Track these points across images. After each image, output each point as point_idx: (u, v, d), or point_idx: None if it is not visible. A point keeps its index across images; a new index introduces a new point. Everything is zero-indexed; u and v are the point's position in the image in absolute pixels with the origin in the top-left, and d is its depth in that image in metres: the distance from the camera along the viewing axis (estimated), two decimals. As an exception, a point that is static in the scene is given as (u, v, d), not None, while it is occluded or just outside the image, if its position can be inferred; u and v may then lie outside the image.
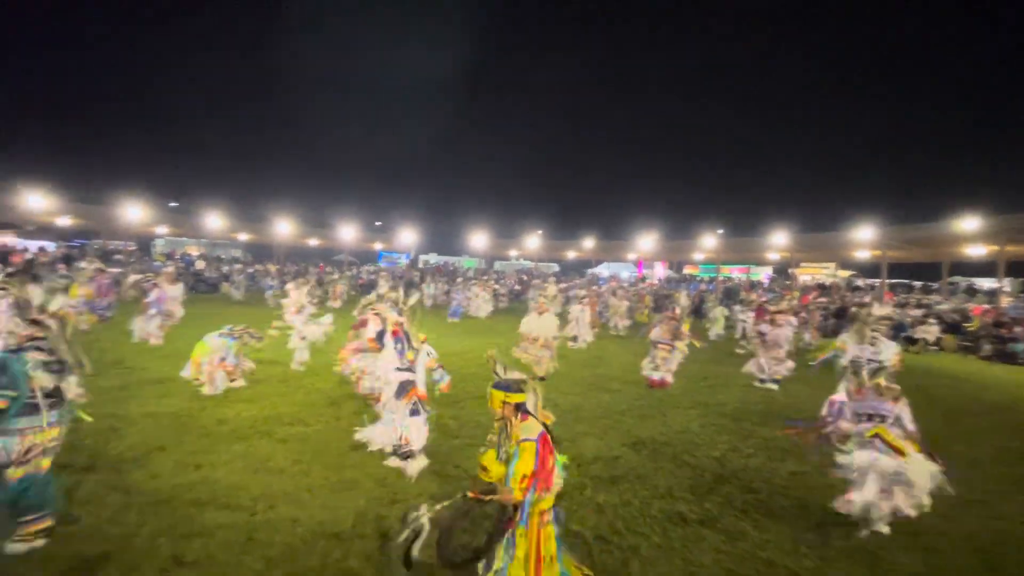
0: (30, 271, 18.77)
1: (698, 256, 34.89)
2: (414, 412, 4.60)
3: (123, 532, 3.36)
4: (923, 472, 3.74)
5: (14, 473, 3.06)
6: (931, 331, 16.33)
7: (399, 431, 4.56)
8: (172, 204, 34.25)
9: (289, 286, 9.95)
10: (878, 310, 4.80)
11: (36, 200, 23.92)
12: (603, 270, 40.83)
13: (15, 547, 3.09)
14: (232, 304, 18.81)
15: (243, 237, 36.46)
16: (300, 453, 4.86)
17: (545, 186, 71.88)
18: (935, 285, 29.37)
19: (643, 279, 35.58)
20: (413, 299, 5.26)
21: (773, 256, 31.84)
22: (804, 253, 30.61)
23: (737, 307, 15.01)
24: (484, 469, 2.60)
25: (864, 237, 22.96)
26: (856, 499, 3.84)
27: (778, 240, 26.45)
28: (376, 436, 4.74)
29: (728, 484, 4.69)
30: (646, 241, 32.33)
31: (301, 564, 3.12)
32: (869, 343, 6.53)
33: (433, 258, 47.15)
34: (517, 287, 27.87)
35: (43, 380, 3.18)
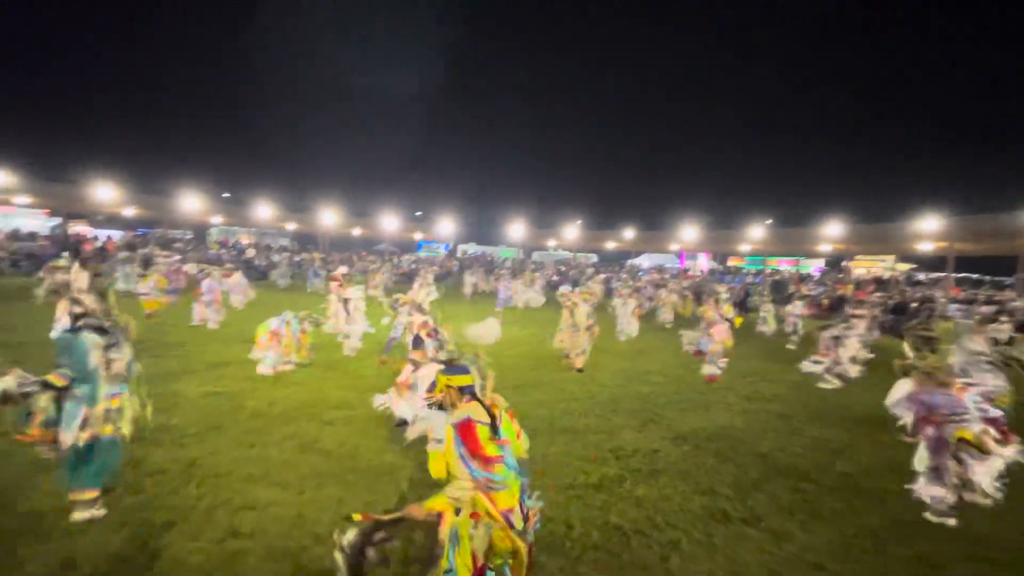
0: (100, 258, 20.17)
1: (744, 248, 33.68)
2: (439, 407, 4.71)
3: (185, 503, 3.59)
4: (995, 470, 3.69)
5: (80, 438, 3.29)
6: (1003, 329, 15.16)
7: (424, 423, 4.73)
8: (225, 195, 35.93)
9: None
10: (971, 342, 4.39)
11: (105, 191, 25.63)
12: (644, 261, 40.06)
13: (77, 515, 3.30)
14: (279, 291, 19.59)
15: (291, 226, 37.88)
16: (346, 436, 5.04)
17: (585, 175, 70.65)
18: (1008, 280, 27.20)
19: (685, 271, 34.68)
20: (422, 295, 5.38)
21: (825, 248, 30.23)
22: (860, 245, 28.93)
23: (795, 304, 14.28)
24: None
25: (928, 228, 21.52)
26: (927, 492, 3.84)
27: (831, 231, 25.17)
28: (397, 407, 4.96)
29: (773, 483, 4.54)
30: (689, 231, 31.45)
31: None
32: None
33: (472, 248, 47.55)
34: (555, 278, 27.73)
35: (100, 355, 3.41)
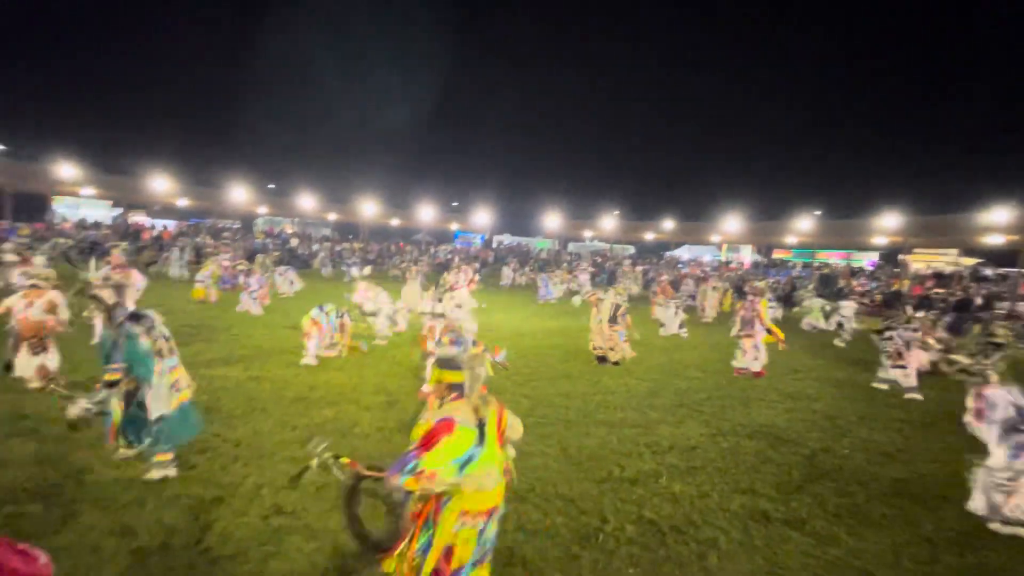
0: (157, 246, 21.32)
1: (791, 240, 32.26)
2: None
3: (232, 480, 3.76)
4: None
5: (172, 403, 3.69)
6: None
7: None
8: (270, 186, 37.27)
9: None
10: None
11: (161, 183, 27.03)
12: (683, 253, 39.09)
13: (152, 474, 3.64)
14: (320, 280, 20.21)
15: (332, 216, 38.96)
16: (383, 420, 5.16)
17: (623, 164, 69.06)
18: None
19: (727, 263, 33.62)
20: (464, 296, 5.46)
21: (880, 241, 28.59)
22: (920, 238, 27.15)
23: (848, 301, 13.59)
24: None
25: (998, 220, 20.04)
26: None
27: (887, 223, 23.76)
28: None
29: (819, 485, 4.36)
30: (731, 223, 30.40)
31: (383, 525, 3.32)
32: None
33: (507, 239, 47.61)
34: (592, 269, 27.45)
35: (148, 338, 3.68)
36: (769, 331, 8.33)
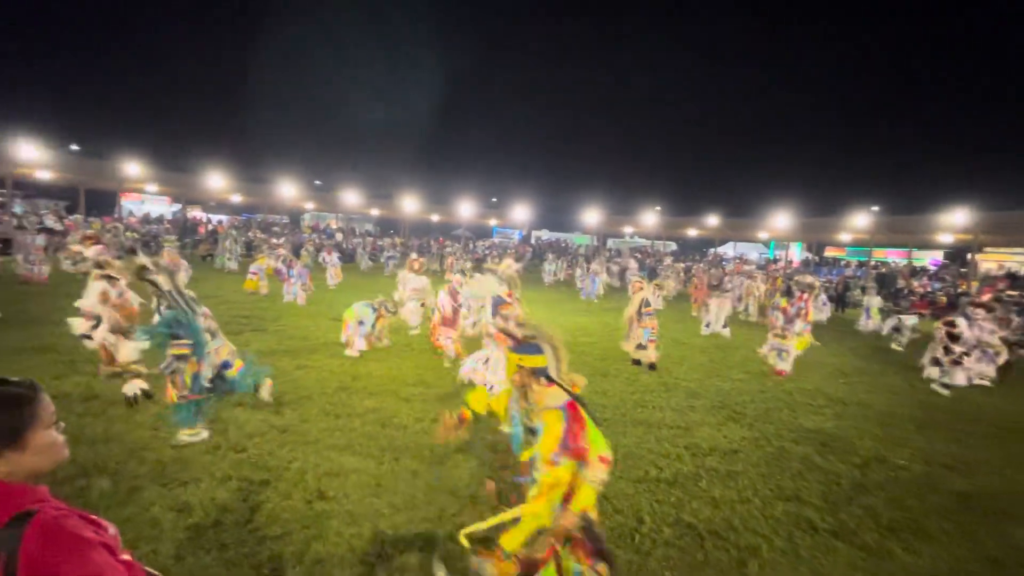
0: (212, 239, 22.44)
1: (844, 237, 30.58)
2: None
3: (279, 464, 3.93)
4: None
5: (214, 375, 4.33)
6: None
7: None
8: (317, 183, 38.56)
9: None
10: None
11: (216, 180, 28.41)
12: (728, 250, 37.84)
13: (202, 435, 4.19)
14: (358, 274, 20.77)
15: (375, 212, 39.93)
16: (422, 412, 5.26)
17: (665, 158, 67.53)
18: None
19: (774, 261, 32.32)
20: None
21: (945, 238, 26.63)
22: (991, 235, 25.08)
23: (905, 302, 12.84)
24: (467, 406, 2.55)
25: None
26: None
27: (955, 219, 22.05)
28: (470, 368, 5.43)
29: (871, 496, 4.14)
30: (780, 219, 29.09)
31: (420, 514, 3.40)
32: None
33: (545, 234, 47.43)
34: (632, 265, 27.02)
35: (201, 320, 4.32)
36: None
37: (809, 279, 8.51)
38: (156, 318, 4.33)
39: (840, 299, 19.62)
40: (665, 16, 75.66)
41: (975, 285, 18.72)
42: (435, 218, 41.53)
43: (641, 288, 8.17)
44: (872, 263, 30.18)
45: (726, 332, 11.33)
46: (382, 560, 2.90)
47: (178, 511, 3.21)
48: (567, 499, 2.18)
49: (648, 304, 7.95)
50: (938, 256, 32.66)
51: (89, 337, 5.28)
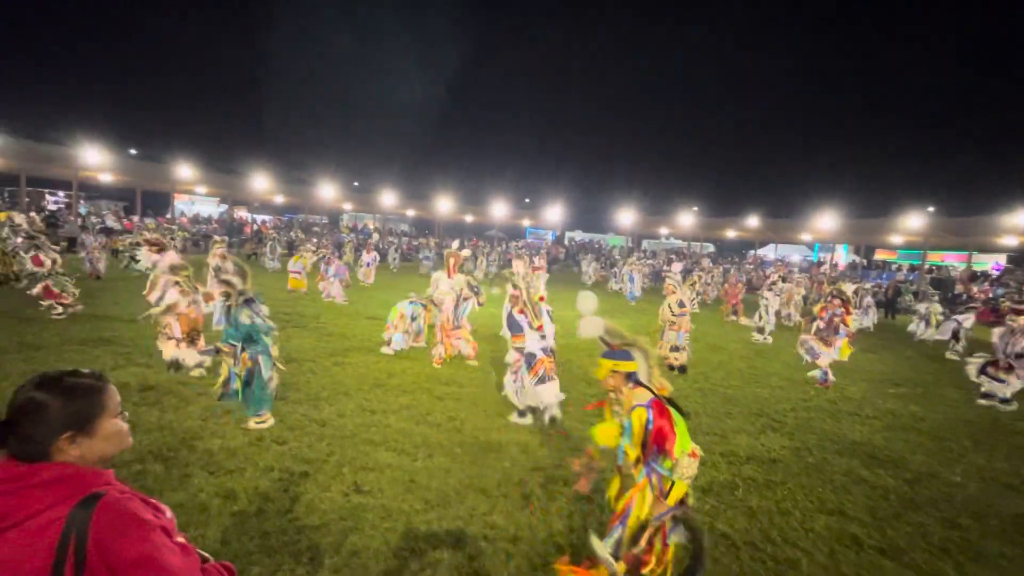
0: (256, 239, 23.34)
1: (895, 239, 29.02)
2: (540, 381, 4.98)
3: (317, 456, 4.07)
4: None
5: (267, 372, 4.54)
6: None
7: (528, 398, 5.09)
8: (355, 184, 39.53)
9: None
10: None
11: (261, 182, 29.55)
12: (769, 252, 36.59)
13: (262, 423, 4.49)
14: (390, 274, 21.15)
15: (410, 213, 40.62)
16: (455, 411, 5.33)
17: (703, 157, 65.68)
18: None
19: (819, 264, 31.05)
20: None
21: (1009, 241, 24.88)
22: (1061, 238, 23.26)
23: (964, 309, 12.06)
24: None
25: None
26: None
27: (1021, 221, 20.57)
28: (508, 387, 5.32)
29: (922, 513, 3.93)
30: (826, 220, 27.85)
31: (452, 511, 3.45)
32: None
33: (578, 235, 47.09)
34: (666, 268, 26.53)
35: (257, 319, 4.56)
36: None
37: (844, 286, 8.11)
38: (221, 319, 4.76)
39: (890, 304, 18.68)
40: (706, 12, 73.77)
41: (1042, 292, 17.42)
42: (469, 219, 41.84)
43: (674, 291, 8.01)
44: (926, 267, 28.57)
45: (767, 338, 11.00)
46: (415, 555, 2.96)
47: (224, 498, 3.37)
48: (663, 495, 2.35)
49: (683, 305, 7.82)
50: (1001, 259, 30.58)
51: (179, 366, 5.67)
